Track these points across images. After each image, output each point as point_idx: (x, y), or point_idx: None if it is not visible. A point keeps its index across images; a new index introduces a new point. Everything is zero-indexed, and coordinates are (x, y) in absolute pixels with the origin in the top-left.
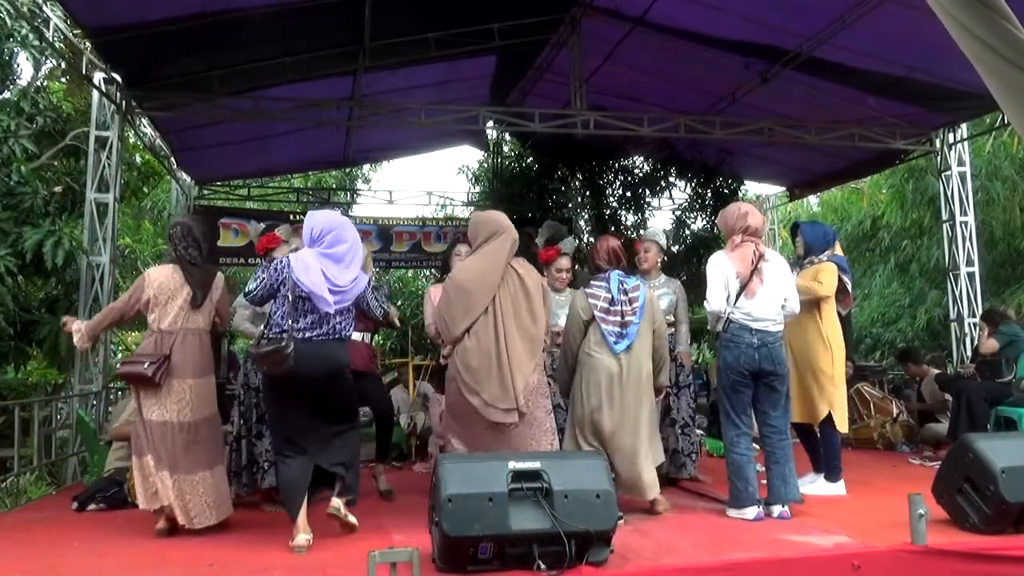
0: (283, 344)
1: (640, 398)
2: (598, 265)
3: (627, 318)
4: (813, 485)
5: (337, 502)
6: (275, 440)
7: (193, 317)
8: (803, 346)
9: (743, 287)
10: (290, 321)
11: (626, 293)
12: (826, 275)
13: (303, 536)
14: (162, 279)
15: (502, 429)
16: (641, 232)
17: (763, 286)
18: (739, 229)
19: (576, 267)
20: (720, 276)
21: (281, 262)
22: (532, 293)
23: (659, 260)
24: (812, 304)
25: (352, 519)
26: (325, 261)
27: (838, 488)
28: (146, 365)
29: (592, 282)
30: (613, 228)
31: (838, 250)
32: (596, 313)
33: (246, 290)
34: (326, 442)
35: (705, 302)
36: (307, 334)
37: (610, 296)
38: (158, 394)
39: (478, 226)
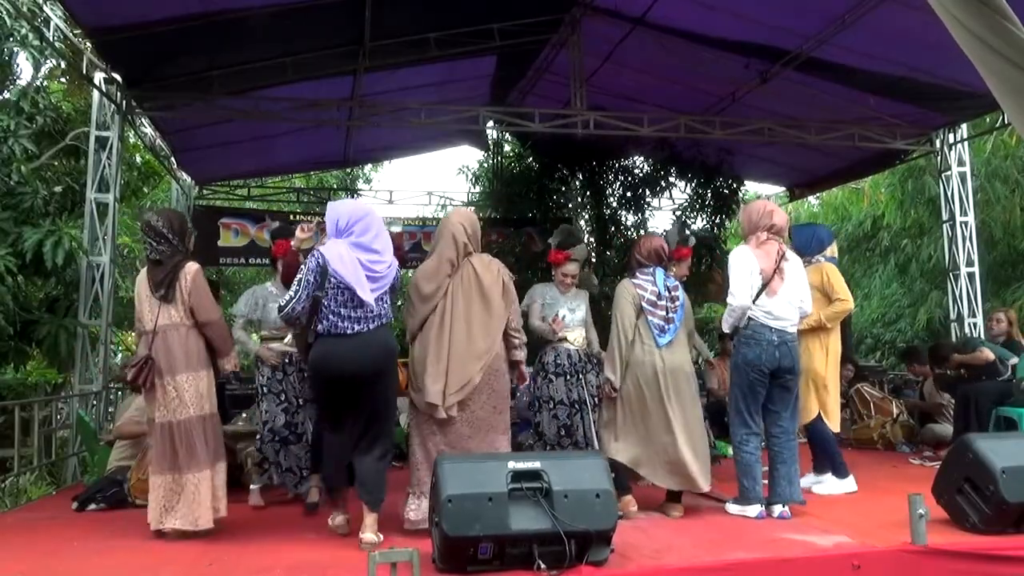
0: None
1: (687, 392)
2: (640, 261)
3: (670, 314)
4: (824, 484)
5: (371, 536)
6: (320, 417)
7: (168, 313)
8: (800, 348)
9: (765, 285)
10: (334, 319)
11: (669, 291)
12: (837, 283)
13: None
14: (140, 280)
15: (441, 424)
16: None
17: (784, 285)
18: (763, 227)
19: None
20: (746, 271)
21: (315, 257)
22: (488, 287)
23: None
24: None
25: (380, 537)
26: (358, 251)
27: (848, 484)
28: (128, 369)
29: (639, 274)
30: (613, 228)
31: (833, 251)
32: (643, 304)
33: (281, 306)
34: (359, 442)
35: (729, 297)
36: (355, 327)
37: (657, 290)
38: (153, 396)
39: (437, 229)
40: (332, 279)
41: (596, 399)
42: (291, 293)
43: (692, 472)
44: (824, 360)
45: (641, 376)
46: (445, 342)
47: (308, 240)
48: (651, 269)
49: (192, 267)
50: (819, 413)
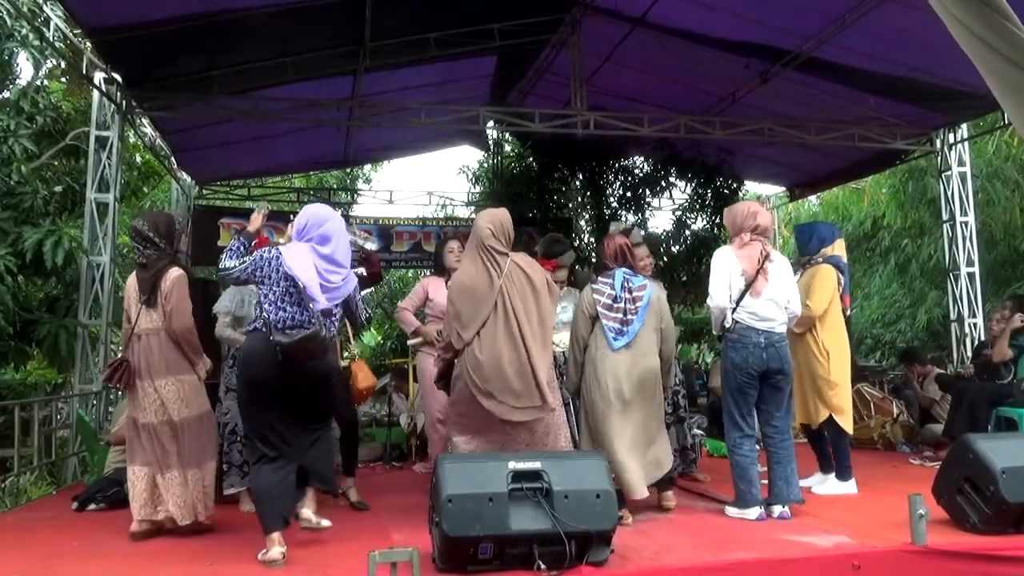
0: (317, 328)
1: (643, 397)
2: (604, 263)
3: (628, 316)
4: (825, 485)
5: (307, 514)
6: (250, 443)
7: (150, 317)
8: (798, 351)
9: (748, 286)
10: (277, 317)
11: (630, 292)
12: (816, 294)
13: (278, 549)
14: (129, 283)
15: (520, 426)
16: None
17: (768, 286)
18: (747, 228)
19: (577, 267)
20: (724, 271)
21: (271, 251)
22: (539, 289)
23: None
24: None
25: (325, 523)
26: (315, 256)
27: (849, 487)
28: (105, 369)
29: (599, 279)
30: (613, 228)
31: (838, 249)
32: (599, 309)
33: (221, 266)
34: (304, 445)
35: (708, 298)
36: (299, 331)
37: (613, 293)
38: (133, 396)
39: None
40: (286, 278)
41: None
42: (240, 263)
43: (629, 479)
44: (825, 362)
45: (598, 379)
46: (519, 343)
47: (261, 224)
48: (612, 271)
49: (173, 272)
50: (830, 416)
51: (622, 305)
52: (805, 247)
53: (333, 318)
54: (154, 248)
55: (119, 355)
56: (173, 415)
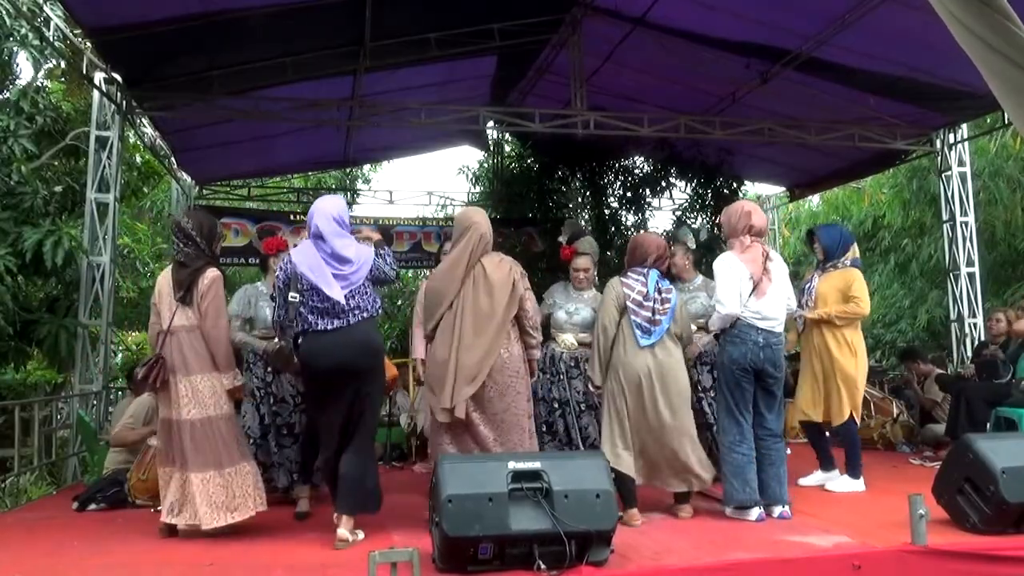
0: (284, 343)
1: (675, 392)
2: (644, 260)
3: (657, 316)
4: (837, 481)
5: (344, 534)
6: (310, 416)
7: (185, 315)
8: (827, 350)
9: (755, 287)
10: (310, 317)
11: (660, 292)
12: (859, 287)
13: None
14: (161, 279)
15: (462, 428)
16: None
17: (772, 285)
18: (743, 229)
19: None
20: (734, 279)
21: (284, 260)
22: (495, 285)
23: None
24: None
25: (360, 535)
26: (320, 249)
27: (859, 484)
28: (140, 368)
29: (630, 272)
30: (613, 228)
31: (855, 253)
32: (628, 304)
33: (274, 320)
34: (342, 441)
35: (717, 304)
36: (333, 323)
37: (645, 291)
38: (163, 394)
39: (455, 227)
40: (302, 281)
41: (583, 405)
42: (276, 304)
43: (694, 470)
44: (853, 360)
45: (624, 377)
46: (454, 342)
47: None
48: (645, 269)
49: (212, 273)
50: (851, 414)
51: (651, 304)
52: (834, 251)
53: (364, 297)
54: (194, 247)
55: (152, 355)
56: (213, 411)
